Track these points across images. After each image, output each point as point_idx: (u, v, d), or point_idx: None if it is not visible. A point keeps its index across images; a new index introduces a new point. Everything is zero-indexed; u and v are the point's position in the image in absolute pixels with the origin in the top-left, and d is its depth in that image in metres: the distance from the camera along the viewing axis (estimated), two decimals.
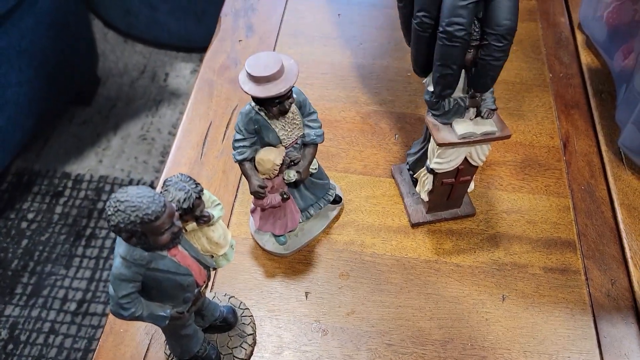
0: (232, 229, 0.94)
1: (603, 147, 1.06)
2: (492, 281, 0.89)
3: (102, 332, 0.83)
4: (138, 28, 2.61)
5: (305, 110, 0.79)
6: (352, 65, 1.20)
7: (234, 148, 0.77)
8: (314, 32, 1.26)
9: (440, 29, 0.66)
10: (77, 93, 2.43)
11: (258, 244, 0.91)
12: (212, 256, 0.69)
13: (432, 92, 0.76)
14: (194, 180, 0.61)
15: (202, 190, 0.61)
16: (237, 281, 0.88)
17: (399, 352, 0.82)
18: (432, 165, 0.84)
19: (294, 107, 0.76)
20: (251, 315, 0.83)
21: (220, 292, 0.85)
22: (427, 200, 0.92)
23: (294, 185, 0.87)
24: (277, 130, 0.75)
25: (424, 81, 0.79)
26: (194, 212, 0.61)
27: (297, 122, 0.77)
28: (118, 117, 2.47)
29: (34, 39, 1.93)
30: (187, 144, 1.06)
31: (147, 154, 2.34)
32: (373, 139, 1.07)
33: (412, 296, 0.87)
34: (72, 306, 1.92)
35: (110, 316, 0.84)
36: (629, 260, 0.91)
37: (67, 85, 2.27)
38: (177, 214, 0.57)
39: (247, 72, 0.69)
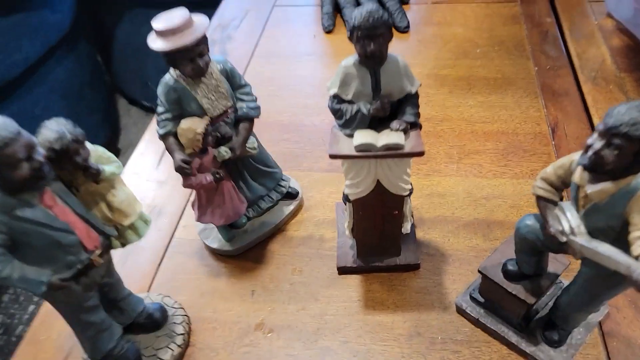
0: (179, 231, 0.87)
1: None
2: (469, 269, 0.76)
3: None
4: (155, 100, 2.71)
5: (235, 81, 0.74)
6: (324, 77, 1.16)
7: (157, 123, 0.72)
8: (287, 52, 1.25)
9: None
10: None
11: (204, 243, 0.83)
12: (117, 228, 0.62)
13: (334, 96, 0.65)
14: (75, 125, 0.55)
15: (82, 134, 0.55)
16: (177, 282, 0.79)
17: (354, 350, 0.69)
18: (345, 190, 0.69)
19: (218, 75, 0.71)
20: (185, 315, 0.73)
21: (154, 292, 0.76)
22: (352, 238, 0.76)
23: (237, 173, 0.80)
24: (198, 97, 0.70)
25: (327, 84, 0.66)
26: (73, 159, 0.54)
27: (222, 91, 0.71)
28: None
29: (48, 106, 2.01)
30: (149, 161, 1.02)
31: None
32: None
33: (374, 288, 0.75)
34: None
35: (34, 323, 0.75)
36: None
37: None
38: (38, 149, 0.51)
39: (154, 29, 0.65)
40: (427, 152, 0.94)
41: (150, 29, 0.65)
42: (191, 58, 0.66)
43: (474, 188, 0.87)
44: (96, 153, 0.59)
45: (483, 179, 0.89)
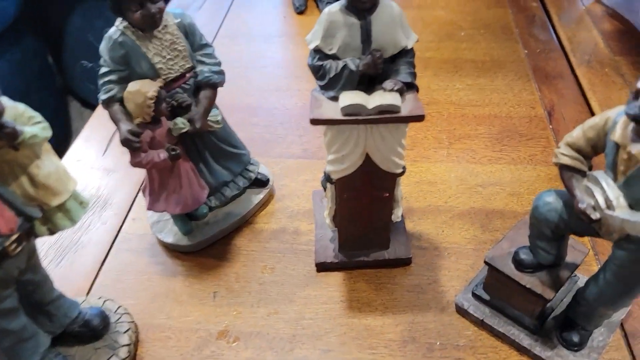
0: (128, 225, 0.73)
1: (597, 112, 0.86)
2: (468, 263, 0.66)
3: None
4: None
5: (195, 40, 0.62)
6: (297, 59, 1.05)
7: (99, 87, 0.59)
8: (255, 33, 1.13)
9: None
10: None
11: (158, 238, 0.70)
12: (42, 209, 0.49)
13: (316, 50, 0.54)
14: None
15: None
16: (123, 283, 0.66)
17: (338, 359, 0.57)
18: (327, 168, 0.58)
19: (174, 29, 0.59)
20: (132, 322, 0.60)
21: (95, 296, 0.63)
22: (334, 228, 0.65)
23: (197, 153, 0.67)
24: (150, 55, 0.58)
25: (306, 38, 0.56)
26: None
27: (179, 49, 0.59)
28: None
29: None
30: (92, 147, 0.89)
31: None
32: None
33: (359, 287, 0.64)
34: None
35: None
36: None
37: None
38: None
39: None
40: (414, 137, 0.85)
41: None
42: (140, 1, 0.54)
43: (467, 175, 0.78)
44: (15, 110, 0.46)
45: (477, 165, 0.79)
